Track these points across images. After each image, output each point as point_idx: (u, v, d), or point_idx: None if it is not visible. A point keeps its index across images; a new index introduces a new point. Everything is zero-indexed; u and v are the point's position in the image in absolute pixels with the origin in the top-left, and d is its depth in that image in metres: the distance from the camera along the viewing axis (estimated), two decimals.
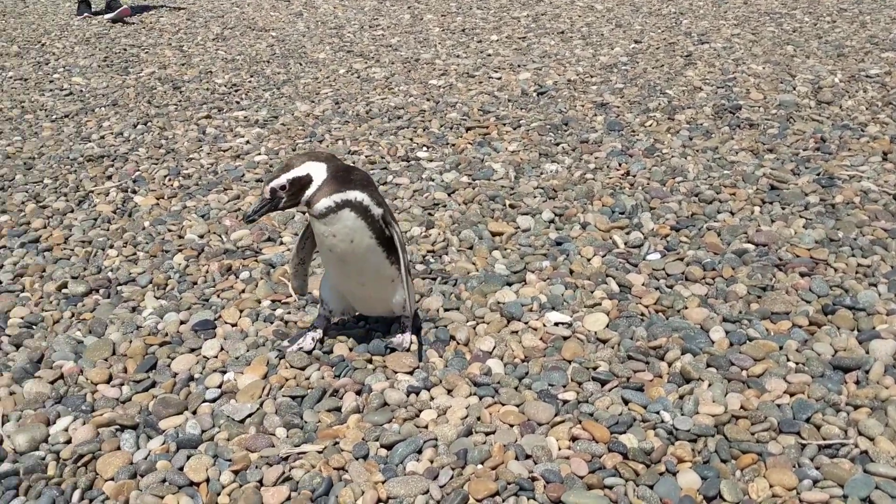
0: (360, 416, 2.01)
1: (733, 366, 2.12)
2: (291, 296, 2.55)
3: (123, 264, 2.84)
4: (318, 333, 2.29)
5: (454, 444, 1.89)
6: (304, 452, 1.88)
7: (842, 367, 2.09)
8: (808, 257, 2.66)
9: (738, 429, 1.88)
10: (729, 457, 1.81)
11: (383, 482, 1.77)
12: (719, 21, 6.55)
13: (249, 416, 2.02)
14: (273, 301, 2.55)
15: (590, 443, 1.87)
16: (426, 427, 1.96)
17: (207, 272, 2.76)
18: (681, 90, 4.57)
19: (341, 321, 2.39)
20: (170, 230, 3.09)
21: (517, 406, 2.01)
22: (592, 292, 2.52)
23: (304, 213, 2.19)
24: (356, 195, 1.94)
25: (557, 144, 3.81)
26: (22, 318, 2.52)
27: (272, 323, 2.43)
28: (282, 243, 2.91)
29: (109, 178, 3.65)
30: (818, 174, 3.32)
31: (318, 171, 1.93)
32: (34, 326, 2.49)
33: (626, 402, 2.01)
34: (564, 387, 2.09)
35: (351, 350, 2.28)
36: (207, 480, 1.81)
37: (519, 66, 5.25)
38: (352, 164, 2.04)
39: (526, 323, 2.38)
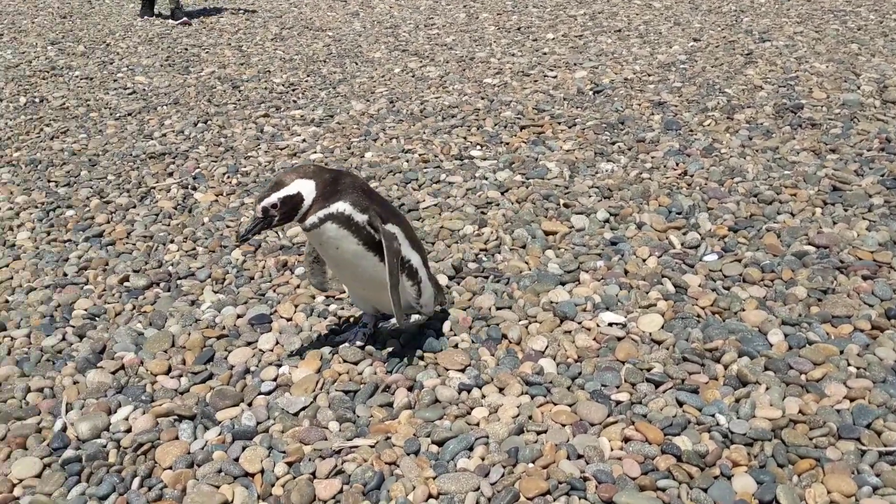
0: (411, 412, 2.02)
1: (792, 369, 2.08)
2: (345, 291, 2.58)
3: (183, 259, 2.90)
4: (369, 329, 2.31)
5: (505, 442, 1.89)
6: (356, 446, 1.90)
7: None
8: (870, 260, 2.59)
9: (796, 433, 1.84)
10: (786, 461, 1.78)
11: (434, 478, 1.78)
12: (781, 18, 6.41)
13: (303, 409, 2.05)
14: (327, 297, 2.58)
15: (643, 444, 1.85)
16: (477, 424, 1.96)
17: (264, 268, 2.81)
18: (740, 89, 4.49)
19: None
20: (228, 226, 3.15)
21: (569, 406, 2.00)
22: (647, 293, 2.49)
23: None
24: (338, 206, 1.95)
25: (613, 143, 3.78)
26: (85, 309, 2.60)
27: (326, 318, 2.46)
28: None
29: (170, 174, 3.74)
30: (882, 175, 3.23)
31: (307, 189, 1.94)
32: (97, 318, 2.56)
33: (680, 403, 1.98)
34: (618, 387, 2.07)
35: (403, 346, 2.29)
36: (262, 471, 1.84)
37: (575, 64, 5.21)
38: (339, 170, 2.05)
39: (579, 323, 2.36)
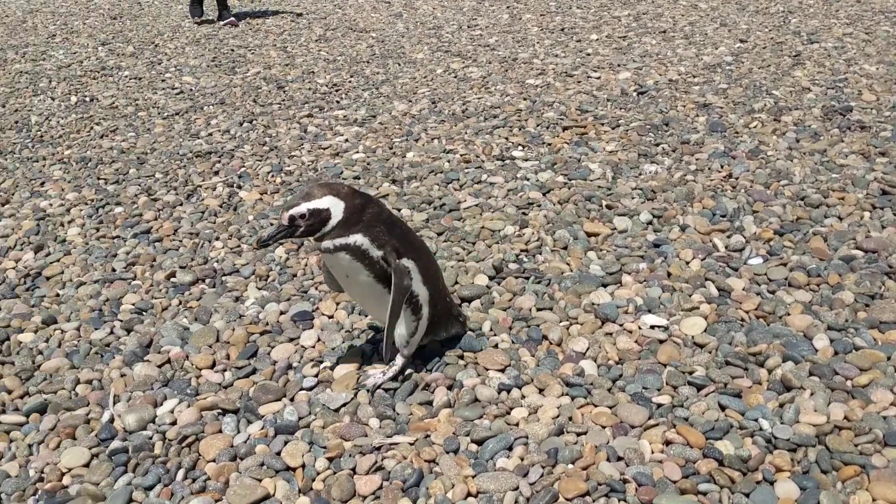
0: (450, 410, 2.03)
1: (837, 375, 2.04)
2: None
3: (228, 256, 2.95)
4: None
5: (545, 443, 1.89)
6: (396, 443, 1.91)
7: None
8: None
9: (841, 440, 1.81)
10: (830, 468, 1.75)
11: (473, 476, 1.79)
12: (830, 20, 6.30)
13: (344, 405, 2.07)
14: None
15: (684, 447, 1.83)
16: (517, 425, 1.96)
17: (306, 265, 2.84)
18: (788, 91, 4.42)
19: None
20: (272, 224, 3.19)
21: (610, 408, 1.99)
22: (690, 296, 2.47)
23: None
24: (356, 239, 1.92)
25: (657, 145, 3.75)
26: (133, 304, 2.65)
27: (367, 316, 2.48)
28: None
29: (216, 173, 3.80)
30: None
31: (336, 209, 1.90)
32: (144, 313, 2.61)
33: (722, 407, 1.96)
34: (659, 390, 2.05)
35: (443, 346, 2.30)
36: (303, 466, 1.87)
37: (619, 65, 5.18)
38: (369, 198, 1.99)
39: (621, 325, 2.35)
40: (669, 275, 2.60)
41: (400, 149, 3.95)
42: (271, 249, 2.95)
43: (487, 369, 2.18)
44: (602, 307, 2.41)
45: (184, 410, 2.08)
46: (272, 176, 3.72)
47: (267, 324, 2.48)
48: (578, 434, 1.91)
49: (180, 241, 3.11)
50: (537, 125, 4.12)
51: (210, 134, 4.38)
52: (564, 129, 4.04)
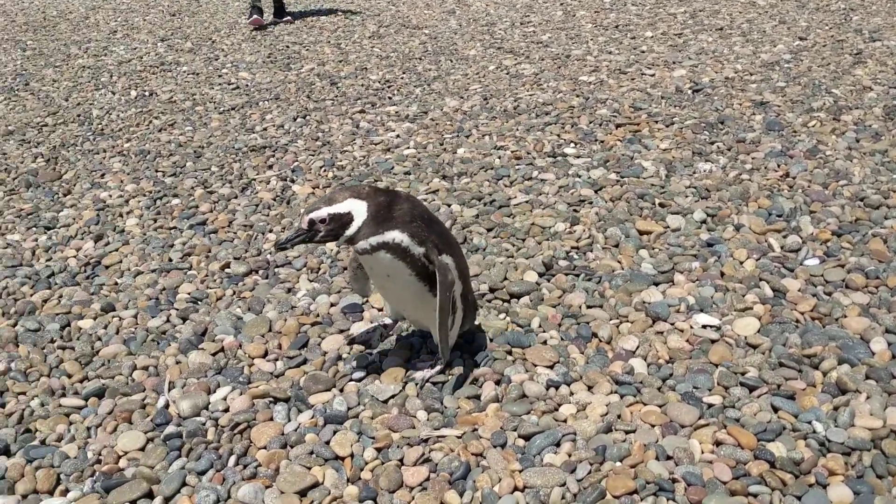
0: (498, 405, 2.03)
1: (895, 379, 2.00)
2: None
3: None
4: (390, 321, 2.30)
5: (593, 440, 1.88)
6: (443, 436, 1.92)
7: None
8: None
9: None
10: (886, 473, 1.71)
11: (520, 471, 1.79)
12: (893, 17, 6.13)
13: (392, 397, 2.09)
14: None
15: (735, 448, 1.81)
16: (565, 421, 1.96)
17: None
18: (848, 90, 4.32)
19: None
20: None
21: (659, 406, 1.98)
22: (744, 296, 2.43)
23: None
24: (394, 236, 1.88)
25: (712, 143, 3.69)
26: (189, 293, 2.71)
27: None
28: None
29: (270, 167, 3.85)
30: None
31: (359, 210, 1.87)
32: (199, 302, 2.67)
33: (775, 409, 1.93)
34: (710, 390, 2.03)
35: (491, 340, 2.31)
36: (352, 455, 1.89)
37: (674, 62, 5.12)
38: (397, 193, 1.96)
39: (672, 324, 2.33)
40: (723, 274, 2.57)
41: (451, 145, 3.96)
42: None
43: (536, 365, 2.18)
44: (653, 306, 2.39)
45: (236, 398, 2.12)
46: (324, 170, 3.76)
47: (318, 315, 2.51)
48: (627, 432, 1.90)
49: (235, 232, 3.16)
50: (590, 122, 4.09)
51: (265, 129, 4.44)
52: (617, 126, 4.00)
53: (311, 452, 1.91)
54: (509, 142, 3.92)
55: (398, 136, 4.16)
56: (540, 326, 2.36)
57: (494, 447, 1.88)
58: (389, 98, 4.88)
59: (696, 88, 4.53)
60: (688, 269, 2.61)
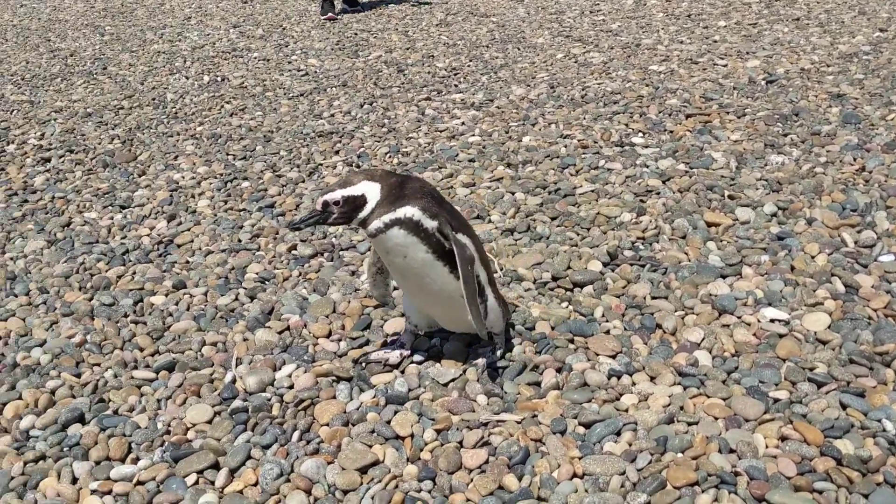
0: (559, 392, 2.03)
1: None
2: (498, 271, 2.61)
3: (346, 232, 3.03)
4: (406, 351, 2.22)
5: (654, 430, 1.86)
6: (503, 420, 1.93)
7: None
8: None
9: None
10: None
11: (580, 458, 1.79)
12: None
13: (453, 380, 2.10)
14: None
15: (800, 444, 1.77)
16: (626, 411, 1.95)
17: None
18: None
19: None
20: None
21: (724, 399, 1.95)
22: (815, 291, 2.37)
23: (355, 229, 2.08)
24: (406, 211, 1.86)
25: (785, 135, 3.60)
26: (257, 273, 2.77)
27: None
28: (490, 221, 2.99)
29: (337, 152, 3.90)
30: None
31: (372, 192, 1.87)
32: (267, 282, 2.72)
33: (843, 406, 1.88)
34: (776, 385, 1.99)
35: (553, 328, 2.30)
36: (412, 436, 1.91)
37: (747, 53, 5.00)
38: (408, 175, 1.94)
39: (739, 317, 2.28)
40: (793, 268, 2.51)
41: (516, 133, 3.94)
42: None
43: (598, 354, 2.16)
44: (720, 298, 2.35)
45: (301, 375, 2.16)
46: (389, 156, 3.79)
47: None
48: (689, 424, 1.88)
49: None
50: (659, 112, 4.03)
51: (332, 115, 4.50)
52: (688, 116, 3.94)
53: (373, 431, 1.94)
54: (576, 130, 3.89)
55: (463, 123, 4.17)
56: (603, 316, 2.34)
57: (554, 433, 1.88)
58: (455, 86, 4.89)
59: (770, 79, 4.42)
60: (756, 262, 2.56)
